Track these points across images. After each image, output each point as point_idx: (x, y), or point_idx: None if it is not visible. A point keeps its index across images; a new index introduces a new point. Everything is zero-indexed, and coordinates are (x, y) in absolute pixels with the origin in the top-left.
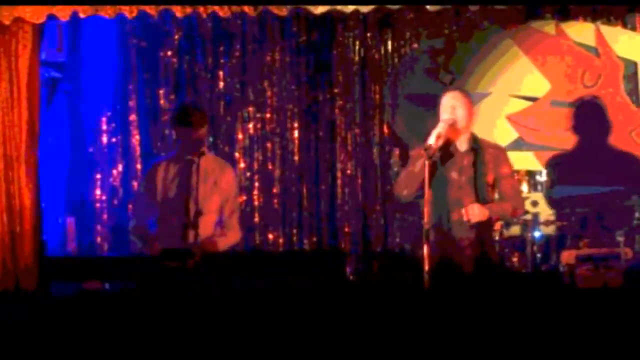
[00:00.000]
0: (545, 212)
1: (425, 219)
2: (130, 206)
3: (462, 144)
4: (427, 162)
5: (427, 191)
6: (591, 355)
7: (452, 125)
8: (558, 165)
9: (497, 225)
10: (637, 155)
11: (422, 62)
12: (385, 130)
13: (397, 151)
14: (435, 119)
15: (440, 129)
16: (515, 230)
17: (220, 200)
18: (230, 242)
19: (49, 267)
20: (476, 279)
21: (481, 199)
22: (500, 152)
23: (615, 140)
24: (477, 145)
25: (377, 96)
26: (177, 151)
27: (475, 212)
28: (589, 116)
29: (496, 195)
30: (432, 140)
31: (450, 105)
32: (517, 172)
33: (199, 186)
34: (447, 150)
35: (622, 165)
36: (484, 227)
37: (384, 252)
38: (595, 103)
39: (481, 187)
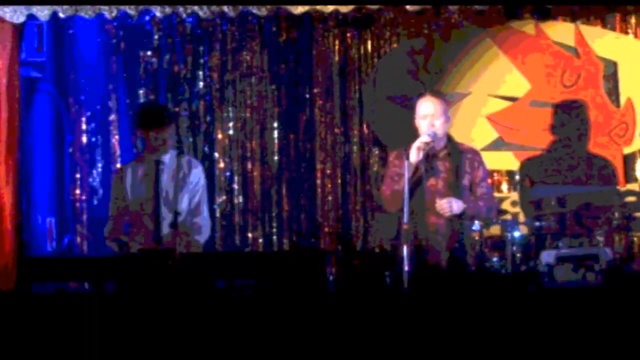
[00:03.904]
0: (525, 212)
1: (405, 220)
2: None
3: (438, 150)
4: (407, 178)
5: (406, 194)
6: (571, 356)
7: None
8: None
9: (477, 226)
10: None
11: (403, 62)
12: (365, 130)
13: (376, 151)
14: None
15: (420, 143)
16: (495, 230)
17: (189, 197)
18: (206, 235)
19: (29, 267)
20: (456, 280)
21: None
22: (475, 156)
23: (595, 140)
24: (453, 150)
25: (357, 96)
26: (142, 152)
27: (452, 205)
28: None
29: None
30: (412, 157)
31: (431, 114)
32: (497, 172)
33: (168, 186)
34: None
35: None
36: (456, 229)
37: (364, 251)
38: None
39: (459, 191)
